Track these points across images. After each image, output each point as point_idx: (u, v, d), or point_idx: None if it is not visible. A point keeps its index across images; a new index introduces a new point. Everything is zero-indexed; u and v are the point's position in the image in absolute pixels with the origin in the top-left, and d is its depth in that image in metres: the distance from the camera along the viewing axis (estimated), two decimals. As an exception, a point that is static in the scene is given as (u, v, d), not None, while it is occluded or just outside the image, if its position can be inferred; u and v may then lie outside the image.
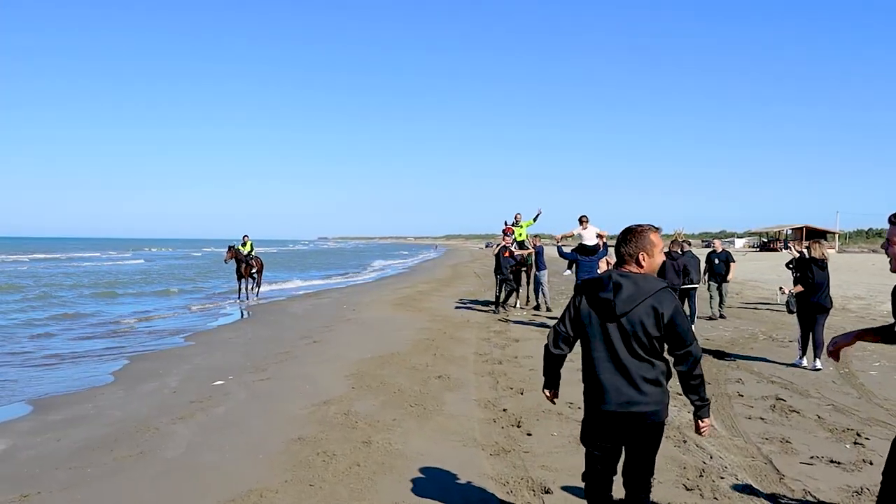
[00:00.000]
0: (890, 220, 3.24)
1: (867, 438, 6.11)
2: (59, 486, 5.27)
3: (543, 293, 17.04)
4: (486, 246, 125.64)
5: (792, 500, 4.75)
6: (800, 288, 9.88)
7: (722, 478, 5.12)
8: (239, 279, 21.89)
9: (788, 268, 16.17)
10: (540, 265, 16.94)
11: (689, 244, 16.03)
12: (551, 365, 3.74)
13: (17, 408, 8.00)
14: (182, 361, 10.61)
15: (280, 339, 12.75)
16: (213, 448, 6.07)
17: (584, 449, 3.65)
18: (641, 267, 3.48)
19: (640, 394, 3.37)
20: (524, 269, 17.73)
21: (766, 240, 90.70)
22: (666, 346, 3.45)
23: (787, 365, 9.68)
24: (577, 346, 3.61)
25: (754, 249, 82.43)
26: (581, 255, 13.89)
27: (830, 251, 9.79)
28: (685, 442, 6.00)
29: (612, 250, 12.94)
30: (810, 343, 9.72)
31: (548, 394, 3.84)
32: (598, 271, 12.62)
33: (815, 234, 75.21)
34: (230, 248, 22.09)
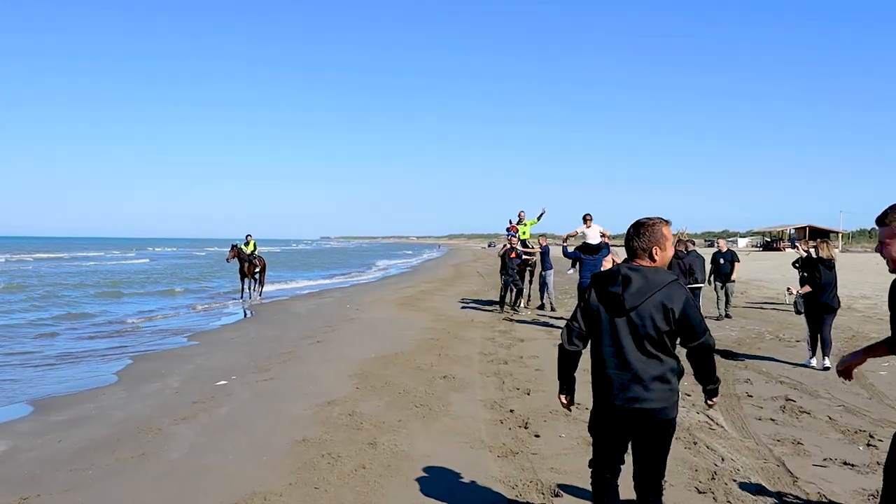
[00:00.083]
0: (877, 222, 3.19)
1: (880, 440, 6.00)
2: (60, 487, 5.19)
3: (549, 293, 16.95)
4: (489, 245, 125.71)
5: (807, 503, 4.66)
6: (807, 288, 9.78)
7: (735, 480, 5.03)
8: (242, 278, 21.83)
9: (795, 267, 16.09)
10: (546, 265, 16.85)
11: (693, 244, 15.93)
12: (566, 365, 3.67)
13: (18, 408, 7.92)
14: (184, 361, 10.53)
15: (283, 339, 12.68)
16: (216, 449, 5.99)
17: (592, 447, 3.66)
18: (654, 261, 3.45)
19: (647, 390, 3.33)
20: (528, 268, 17.63)
21: (769, 239, 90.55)
22: (678, 340, 3.42)
23: (796, 365, 9.58)
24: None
25: (757, 249, 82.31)
26: (584, 254, 13.80)
27: (834, 251, 9.67)
28: (695, 443, 5.90)
29: (614, 249, 13.01)
30: (819, 343, 9.63)
31: (563, 400, 3.77)
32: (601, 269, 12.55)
33: (819, 234, 75.00)
34: (233, 247, 22.03)
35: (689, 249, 14.39)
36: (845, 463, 5.43)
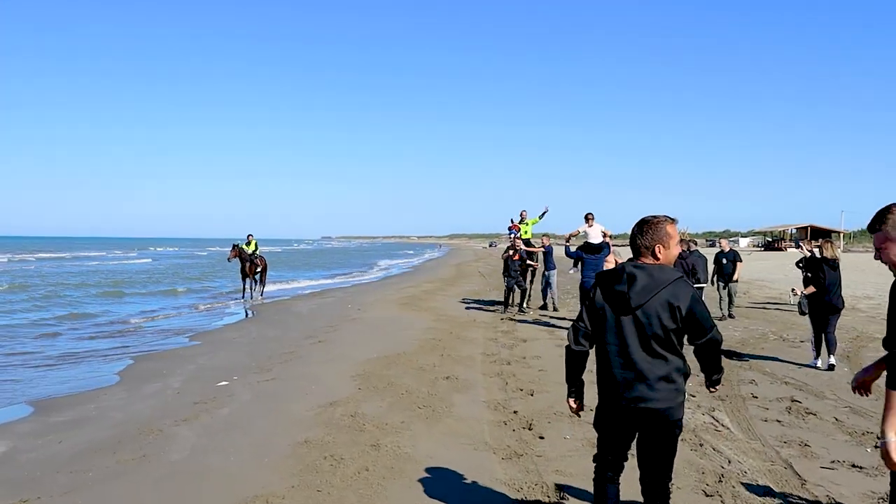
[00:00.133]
0: (869, 230, 3.15)
1: (888, 442, 5.94)
2: (60, 490, 5.14)
3: (552, 293, 16.90)
4: (490, 245, 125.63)
5: (816, 506, 4.61)
6: (812, 289, 9.73)
7: (742, 483, 4.97)
8: (243, 278, 21.81)
9: (798, 267, 16.04)
10: (549, 265, 16.80)
11: (696, 244, 15.88)
12: (574, 366, 3.64)
13: (18, 409, 7.87)
14: (186, 361, 10.48)
15: (285, 339, 12.62)
16: (218, 451, 5.93)
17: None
18: (657, 259, 3.43)
19: (652, 390, 3.31)
20: (530, 268, 17.56)
21: (770, 239, 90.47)
22: (685, 338, 3.40)
23: (800, 366, 9.52)
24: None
25: (759, 249, 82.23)
26: (586, 254, 13.75)
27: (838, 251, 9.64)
28: (701, 445, 5.85)
29: (616, 249, 12.96)
30: (823, 343, 9.59)
31: (572, 404, 3.72)
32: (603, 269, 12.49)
33: (820, 234, 74.91)
34: (234, 246, 22.05)
35: (692, 249, 14.35)
36: (853, 465, 5.37)
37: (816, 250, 10.26)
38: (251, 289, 21.85)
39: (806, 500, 4.69)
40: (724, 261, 15.68)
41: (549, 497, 4.73)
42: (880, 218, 3.08)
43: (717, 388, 3.65)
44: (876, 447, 5.86)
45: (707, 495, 4.75)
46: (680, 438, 5.73)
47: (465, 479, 5.10)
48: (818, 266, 9.68)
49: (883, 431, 2.99)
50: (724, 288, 15.44)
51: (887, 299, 3.18)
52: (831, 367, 9.26)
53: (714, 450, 5.73)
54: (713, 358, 3.46)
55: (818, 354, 9.61)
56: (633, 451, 3.63)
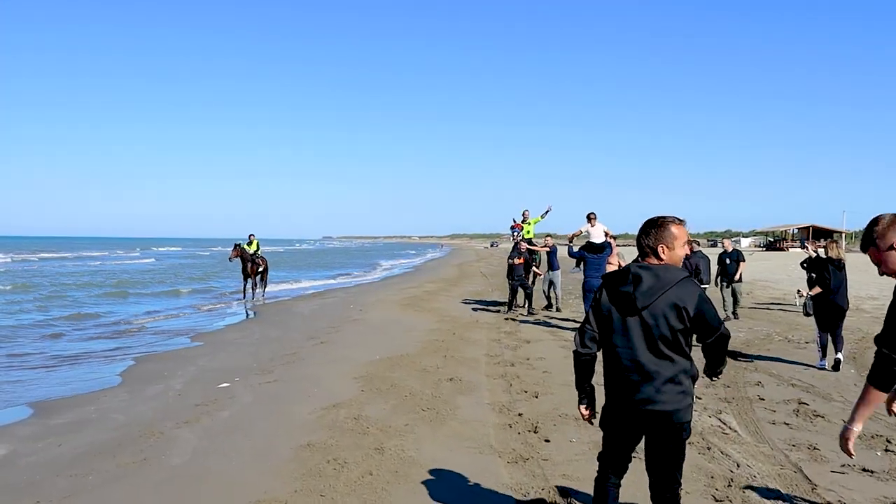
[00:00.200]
0: (862, 249, 3.28)
1: (898, 446, 5.87)
2: (60, 494, 5.08)
3: (556, 293, 16.82)
4: (492, 245, 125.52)
5: (827, 512, 4.53)
6: (818, 289, 9.66)
7: (752, 487, 4.89)
8: (245, 278, 21.77)
9: (803, 268, 15.96)
10: (553, 265, 16.73)
11: (699, 244, 15.77)
12: (582, 371, 3.58)
13: (18, 411, 7.81)
14: (187, 363, 10.42)
15: (286, 340, 12.56)
16: (219, 454, 5.86)
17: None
18: (661, 260, 3.39)
19: (658, 392, 3.28)
20: (533, 266, 17.47)
21: (772, 239, 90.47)
22: (693, 337, 3.36)
23: (807, 368, 9.44)
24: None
25: (760, 249, 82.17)
26: (588, 253, 13.69)
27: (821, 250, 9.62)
28: (709, 449, 5.77)
29: (619, 250, 12.87)
30: (830, 343, 9.52)
31: (584, 412, 3.64)
32: (605, 269, 12.41)
33: (822, 234, 74.99)
34: (236, 246, 22.03)
35: (695, 250, 14.26)
36: (864, 469, 5.29)
37: (822, 250, 10.19)
38: (253, 289, 21.81)
39: (817, 505, 4.62)
40: (728, 261, 15.59)
41: (556, 502, 4.65)
42: (867, 236, 3.20)
43: (718, 378, 3.61)
44: (886, 450, 5.79)
45: (717, 500, 4.67)
46: (687, 442, 5.69)
47: (470, 483, 5.02)
48: (823, 266, 9.61)
49: (851, 418, 3.29)
50: (728, 288, 15.34)
51: (891, 298, 3.24)
52: (837, 363, 9.21)
53: (722, 453, 5.65)
54: (721, 354, 3.42)
55: (824, 356, 9.53)
56: (641, 455, 3.57)
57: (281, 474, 5.29)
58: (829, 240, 10.75)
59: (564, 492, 4.80)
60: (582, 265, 13.98)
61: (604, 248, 13.66)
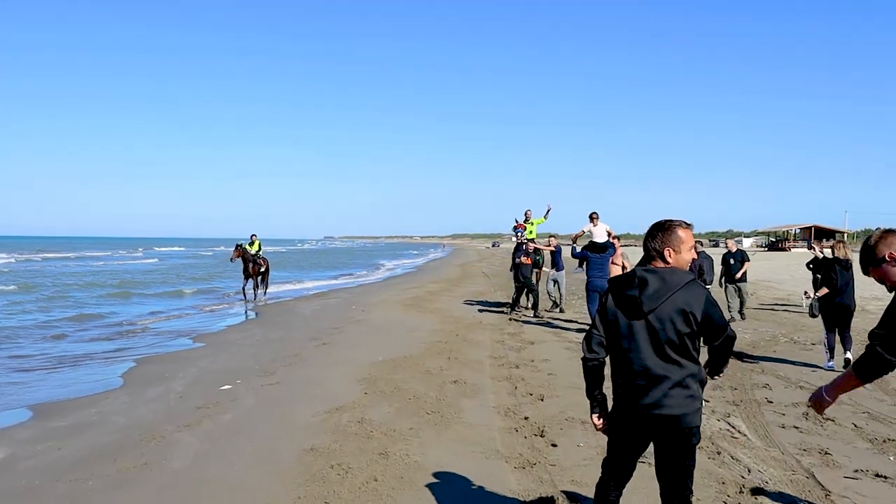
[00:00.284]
0: (865, 272, 3.42)
1: (911, 450, 5.77)
2: (59, 500, 5.00)
3: (560, 293, 16.72)
4: (493, 245, 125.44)
5: (842, 519, 4.44)
6: (824, 290, 9.58)
7: (764, 493, 4.80)
8: (246, 279, 21.69)
9: (809, 268, 15.84)
10: (558, 265, 16.64)
11: (702, 244, 15.69)
12: (592, 377, 3.51)
13: (18, 413, 7.73)
14: (189, 364, 10.33)
15: (288, 341, 12.47)
16: (221, 459, 5.78)
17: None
18: (667, 263, 3.36)
19: (666, 396, 3.24)
20: (536, 269, 17.37)
21: (774, 239, 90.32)
22: (700, 340, 3.33)
23: (814, 369, 9.34)
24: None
25: (763, 249, 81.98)
26: (591, 253, 13.60)
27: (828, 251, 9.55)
28: (719, 454, 5.67)
29: (623, 251, 12.79)
30: (838, 344, 9.43)
31: (597, 421, 3.56)
32: (609, 269, 12.33)
33: (824, 234, 74.87)
34: (237, 246, 21.98)
35: (698, 250, 14.19)
36: (877, 475, 5.19)
37: (828, 251, 10.10)
38: (255, 289, 21.75)
39: (831, 512, 4.53)
40: (732, 261, 15.49)
41: (564, 508, 4.56)
42: (862, 258, 3.37)
43: (719, 377, 3.60)
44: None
45: (729, 507, 4.58)
46: (697, 446, 5.60)
47: (477, 489, 4.93)
48: (830, 267, 9.52)
49: (827, 389, 3.42)
50: (735, 289, 15.22)
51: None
52: (847, 362, 9.13)
53: (733, 458, 5.56)
54: (726, 355, 3.41)
55: (832, 357, 9.44)
56: (651, 461, 3.50)
57: (284, 479, 5.20)
58: (836, 240, 10.64)
59: (573, 497, 4.70)
60: (585, 265, 13.90)
61: (607, 248, 13.58)
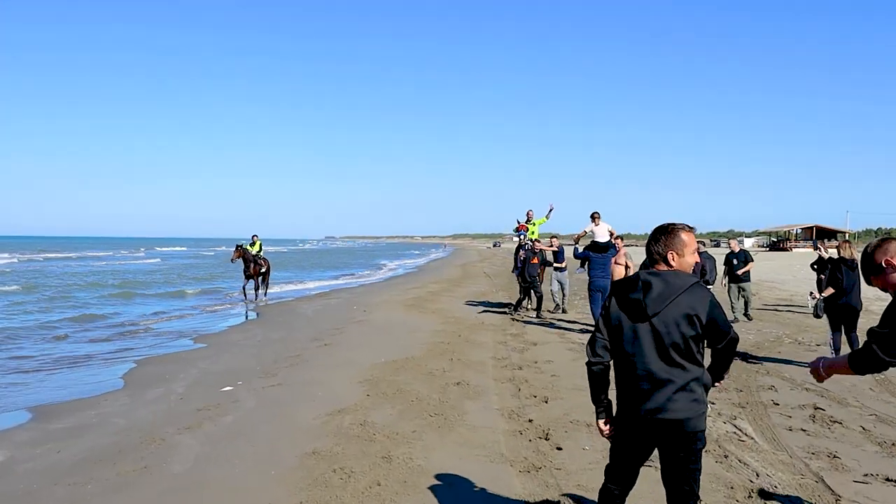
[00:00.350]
0: (868, 281, 3.49)
1: (920, 454, 5.70)
2: (58, 503, 4.93)
3: (563, 294, 16.66)
4: (495, 245, 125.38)
5: (853, 525, 4.36)
6: (830, 290, 9.50)
7: (773, 497, 4.72)
8: (247, 279, 21.64)
9: (813, 269, 15.75)
10: (561, 266, 16.57)
11: (705, 244, 15.59)
12: (597, 382, 3.47)
13: (17, 415, 7.67)
14: (190, 365, 10.27)
15: (290, 342, 12.41)
16: (222, 462, 5.71)
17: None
18: (671, 267, 3.35)
19: (670, 401, 3.20)
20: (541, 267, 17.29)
21: (775, 239, 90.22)
22: (705, 343, 3.30)
23: (820, 371, 9.24)
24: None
25: (764, 249, 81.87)
26: (593, 253, 13.53)
27: (834, 251, 9.49)
28: (726, 457, 5.59)
29: (627, 250, 12.71)
30: (844, 346, 9.35)
31: (603, 427, 3.51)
32: (612, 269, 12.24)
33: (825, 234, 74.81)
34: (238, 247, 21.94)
35: (701, 250, 14.11)
36: (888, 479, 5.11)
37: (832, 251, 10.03)
38: (256, 290, 21.70)
39: (842, 517, 4.45)
40: (735, 262, 15.40)
41: (571, 514, 4.49)
42: (865, 268, 3.43)
43: (720, 384, 3.55)
44: None
45: (738, 513, 4.51)
46: (704, 450, 5.52)
47: (482, 494, 4.85)
48: (836, 267, 9.45)
49: (825, 364, 3.56)
50: (738, 290, 15.12)
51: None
52: None
53: (740, 462, 5.48)
54: (730, 358, 3.39)
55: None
56: (657, 464, 3.44)
57: (286, 483, 5.13)
58: (843, 240, 10.57)
59: (579, 502, 4.64)
60: (586, 265, 13.83)
61: (608, 248, 13.51)
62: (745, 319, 14.70)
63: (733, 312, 14.80)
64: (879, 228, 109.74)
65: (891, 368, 3.36)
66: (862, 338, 9.78)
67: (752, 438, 6.16)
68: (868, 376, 8.73)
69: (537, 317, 15.40)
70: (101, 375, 9.84)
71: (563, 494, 4.79)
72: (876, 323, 3.40)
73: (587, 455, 5.65)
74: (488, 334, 12.87)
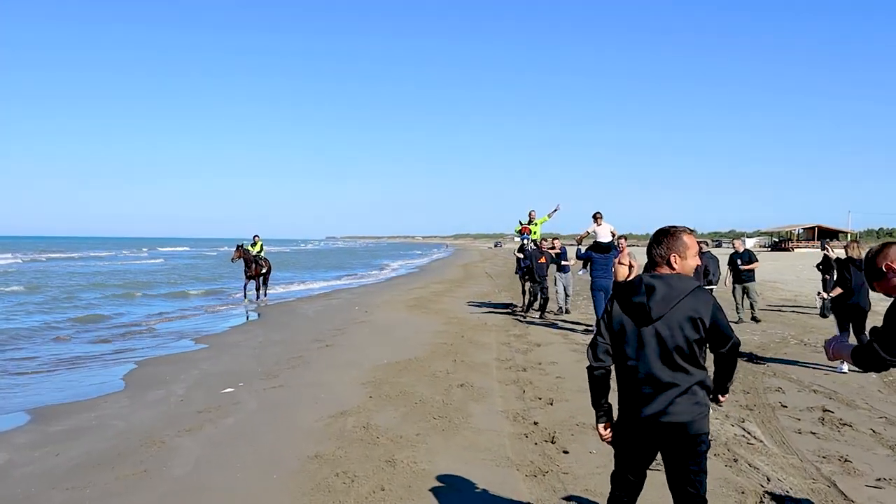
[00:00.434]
0: (872, 286, 3.51)
1: (932, 458, 5.60)
2: (56, 509, 4.85)
3: (567, 295, 16.57)
4: (496, 245, 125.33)
5: (868, 531, 4.26)
6: (838, 290, 9.41)
7: (785, 503, 4.63)
8: (248, 280, 21.57)
9: (818, 269, 15.65)
10: (564, 268, 16.49)
11: (708, 244, 15.52)
12: (598, 386, 3.43)
13: (16, 417, 7.59)
14: (190, 366, 10.19)
15: (291, 343, 12.32)
16: (223, 465, 5.62)
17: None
18: (673, 269, 3.33)
19: (672, 404, 3.20)
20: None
21: (777, 239, 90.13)
22: (707, 347, 3.31)
23: (826, 372, 9.16)
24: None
25: (766, 249, 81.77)
26: (596, 253, 13.44)
27: (840, 251, 9.40)
28: (736, 461, 5.50)
29: (631, 250, 12.62)
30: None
31: (603, 431, 3.47)
32: (615, 269, 12.15)
33: (827, 234, 74.69)
34: (238, 247, 21.90)
35: (704, 251, 14.02)
36: (901, 484, 5.02)
37: (839, 251, 9.95)
38: (257, 290, 21.64)
39: (856, 523, 4.36)
40: (739, 262, 15.29)
41: (579, 520, 4.40)
42: (868, 274, 3.47)
43: (727, 397, 3.50)
44: None
45: (750, 518, 4.41)
46: (713, 453, 5.42)
47: (488, 499, 4.76)
48: (844, 267, 9.36)
49: (835, 349, 3.61)
50: (743, 290, 15.00)
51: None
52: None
53: (750, 466, 5.39)
54: (732, 364, 3.35)
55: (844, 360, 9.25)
56: (660, 466, 3.38)
57: (288, 488, 5.03)
58: (851, 240, 10.49)
59: (587, 508, 4.54)
60: (589, 266, 13.75)
61: (611, 248, 13.43)
62: (753, 322, 14.58)
63: (738, 313, 14.71)
64: (881, 229, 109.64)
65: None
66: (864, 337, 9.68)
67: (762, 441, 6.06)
68: (876, 378, 8.70)
69: (541, 317, 15.31)
70: (101, 377, 9.76)
71: (572, 499, 4.70)
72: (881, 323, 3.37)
73: (594, 459, 5.56)
74: (491, 335, 12.78)
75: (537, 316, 15.41)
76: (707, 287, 13.11)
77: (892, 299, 3.35)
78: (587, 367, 3.42)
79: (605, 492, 4.72)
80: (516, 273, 17.79)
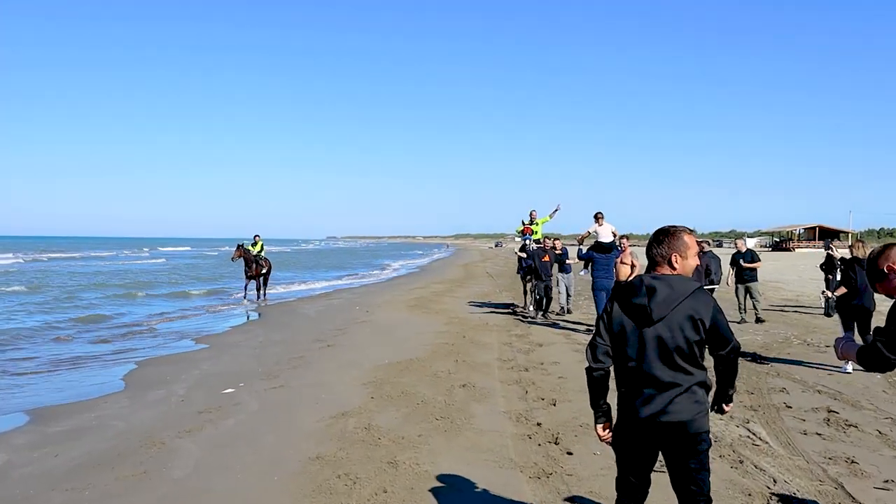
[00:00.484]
0: (875, 288, 3.52)
1: (939, 459, 5.54)
2: (55, 510, 4.80)
3: (568, 295, 16.52)
4: (496, 245, 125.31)
5: (877, 534, 4.21)
6: (843, 290, 9.36)
7: (792, 506, 4.58)
8: (248, 279, 21.53)
9: (821, 269, 15.61)
10: (566, 268, 16.44)
11: (709, 244, 15.47)
12: (597, 387, 3.40)
13: (16, 418, 7.55)
14: (191, 366, 10.14)
15: (292, 343, 12.27)
16: (223, 467, 5.57)
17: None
18: (674, 269, 3.35)
19: (672, 403, 3.17)
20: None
21: (778, 239, 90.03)
22: (707, 348, 3.27)
23: (830, 372, 9.10)
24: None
25: (767, 249, 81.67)
26: (597, 253, 13.39)
27: (843, 251, 9.35)
28: (741, 462, 5.44)
29: (633, 250, 12.57)
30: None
31: (601, 432, 3.45)
32: (618, 269, 12.10)
33: (828, 234, 74.55)
34: (239, 246, 21.86)
35: (706, 250, 13.96)
36: (910, 486, 4.97)
37: (844, 251, 9.90)
38: (257, 290, 21.60)
39: (864, 526, 4.30)
40: (742, 262, 15.23)
41: (583, 522, 4.35)
42: (870, 275, 3.48)
43: (731, 406, 3.46)
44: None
45: (757, 521, 4.36)
46: (718, 455, 5.37)
47: (492, 501, 4.71)
48: (850, 266, 9.31)
49: (843, 349, 3.56)
50: (745, 290, 14.94)
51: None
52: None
53: (756, 467, 5.33)
54: (733, 368, 3.32)
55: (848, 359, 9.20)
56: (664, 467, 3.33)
57: (289, 490, 4.98)
58: (856, 240, 10.42)
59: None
60: (590, 266, 13.70)
61: (612, 248, 13.38)
62: (755, 322, 14.50)
63: (741, 313, 14.65)
64: (882, 229, 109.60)
65: None
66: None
67: (767, 443, 6.01)
68: (881, 378, 8.65)
69: (543, 317, 15.26)
70: (101, 377, 9.72)
71: (576, 501, 4.65)
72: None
73: (598, 460, 5.50)
74: (493, 335, 12.73)
75: (541, 315, 15.35)
76: (709, 287, 13.06)
77: (894, 300, 3.35)
78: (586, 369, 3.39)
79: (610, 494, 4.67)
80: (518, 273, 17.74)
